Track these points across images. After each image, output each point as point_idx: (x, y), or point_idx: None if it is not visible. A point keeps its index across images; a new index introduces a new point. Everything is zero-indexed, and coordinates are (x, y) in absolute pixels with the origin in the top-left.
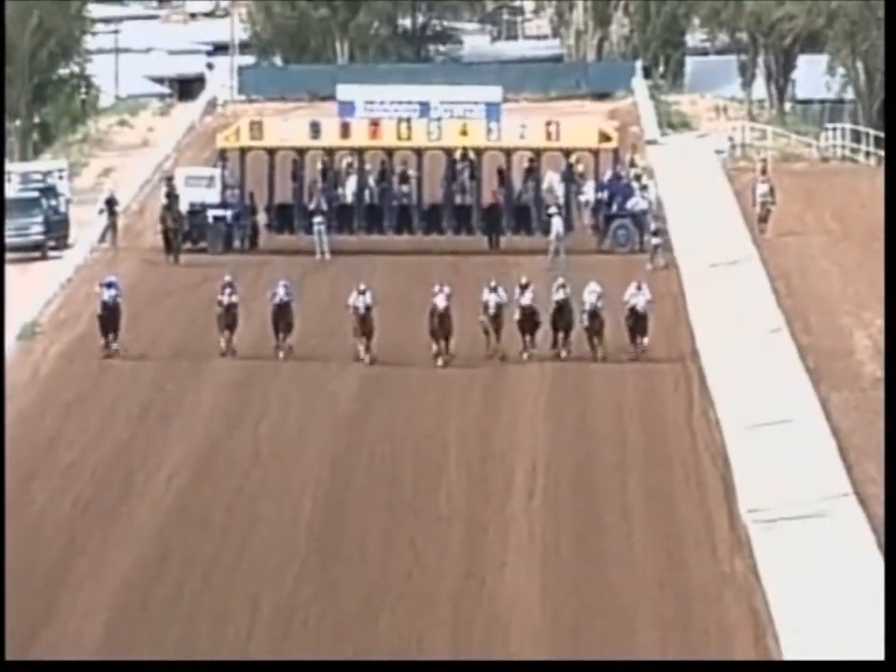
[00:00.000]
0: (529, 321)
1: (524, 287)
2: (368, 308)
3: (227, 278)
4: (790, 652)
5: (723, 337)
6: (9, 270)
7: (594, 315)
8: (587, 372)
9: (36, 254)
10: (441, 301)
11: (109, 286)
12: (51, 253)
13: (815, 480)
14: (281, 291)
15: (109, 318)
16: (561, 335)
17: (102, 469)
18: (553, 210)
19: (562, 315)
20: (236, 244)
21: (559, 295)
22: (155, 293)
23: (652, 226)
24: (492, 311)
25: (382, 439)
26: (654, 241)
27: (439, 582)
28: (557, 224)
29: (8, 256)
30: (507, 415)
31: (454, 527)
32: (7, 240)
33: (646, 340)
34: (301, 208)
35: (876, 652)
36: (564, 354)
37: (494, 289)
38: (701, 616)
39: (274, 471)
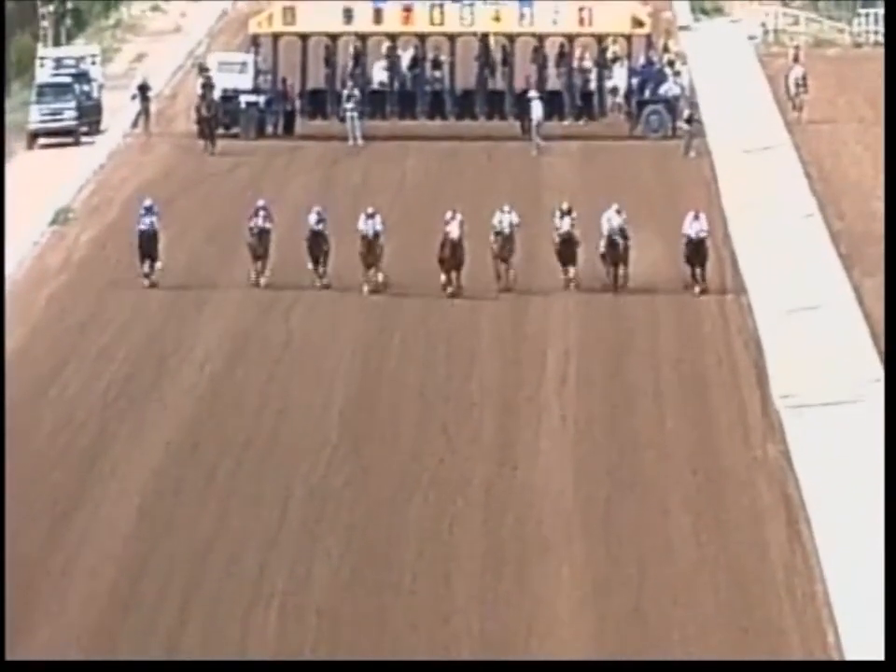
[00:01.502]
0: (569, 250)
1: (565, 213)
2: (377, 234)
3: (260, 202)
4: (821, 537)
5: (756, 223)
6: (42, 155)
7: (613, 243)
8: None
9: (69, 139)
10: (453, 230)
11: (147, 211)
12: (84, 138)
13: (847, 365)
14: (313, 219)
15: (148, 246)
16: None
17: (134, 355)
18: (532, 94)
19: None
20: (269, 129)
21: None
22: (188, 179)
23: (685, 112)
24: (506, 231)
25: (414, 326)
26: (687, 127)
27: (471, 467)
28: (537, 109)
29: (41, 141)
30: (539, 303)
31: (486, 413)
32: (41, 125)
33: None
34: (333, 94)
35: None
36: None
37: (507, 212)
38: (733, 501)
39: (307, 357)
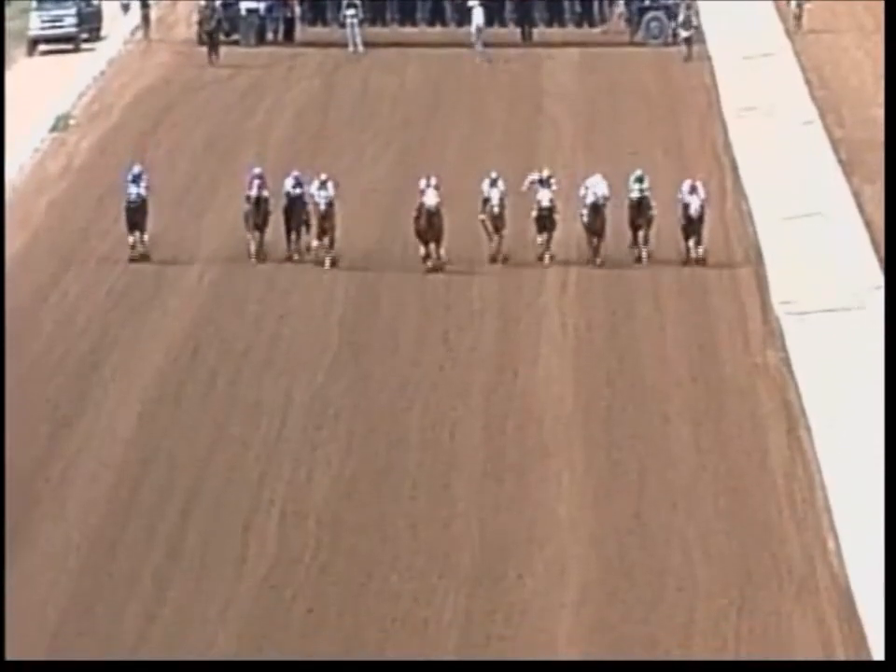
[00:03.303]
0: (548, 219)
1: (542, 182)
2: (330, 203)
3: (256, 170)
4: (821, 444)
5: (756, 129)
6: (43, 62)
7: (596, 209)
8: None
9: (69, 46)
10: (429, 199)
11: (135, 179)
12: (84, 45)
13: (847, 272)
14: (289, 183)
15: (135, 216)
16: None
17: (133, 263)
18: (472, 2)
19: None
20: (269, 36)
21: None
22: (187, 86)
23: (681, 17)
24: (496, 208)
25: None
26: (684, 33)
27: (471, 375)
28: (478, 16)
29: (42, 48)
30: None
31: (486, 321)
32: (41, 32)
33: (701, 249)
34: (333, 0)
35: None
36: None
37: (495, 182)
38: (733, 408)
39: (307, 266)
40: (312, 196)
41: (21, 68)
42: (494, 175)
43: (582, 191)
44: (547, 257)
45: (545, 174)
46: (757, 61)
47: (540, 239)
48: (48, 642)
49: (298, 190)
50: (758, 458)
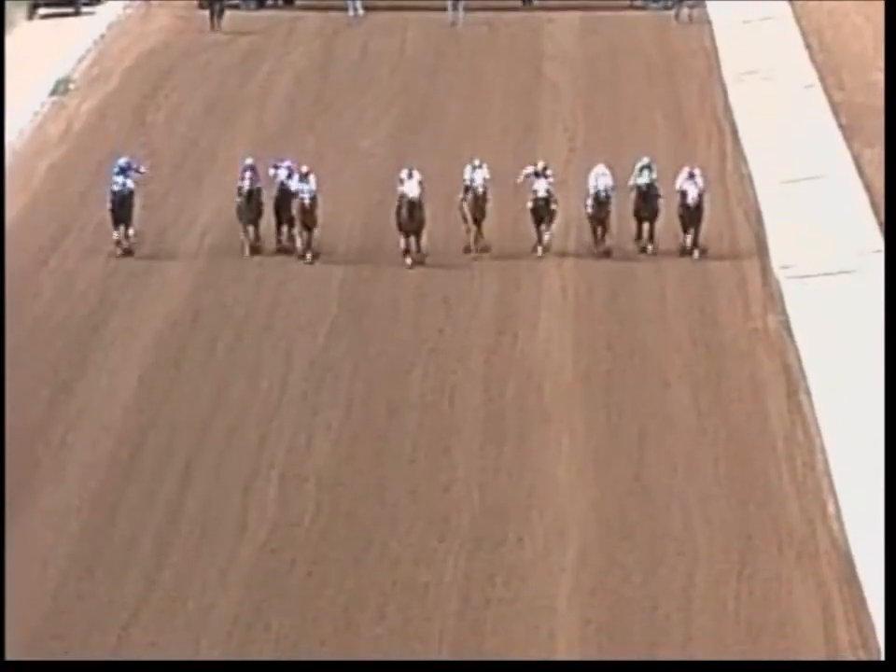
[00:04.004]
0: (545, 209)
1: (539, 174)
2: (313, 197)
3: (248, 161)
4: (821, 407)
5: (756, 93)
6: (43, 25)
7: (599, 200)
8: (619, 136)
9: (70, 10)
10: (411, 190)
11: (122, 170)
12: (84, 9)
13: (847, 236)
14: (283, 174)
15: (121, 209)
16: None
17: (135, 225)
18: None
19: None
20: (269, 0)
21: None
22: (187, 49)
23: None
24: (479, 190)
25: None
26: None
27: (471, 338)
28: None
29: (42, 11)
30: None
31: (486, 284)
32: None
33: (699, 239)
34: None
35: None
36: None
37: (478, 167)
38: (734, 371)
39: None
40: (295, 191)
41: (22, 31)
42: (477, 161)
43: (589, 181)
44: (540, 249)
45: (540, 165)
46: (757, 24)
47: (537, 231)
48: (48, 605)
49: (290, 182)
50: (758, 422)
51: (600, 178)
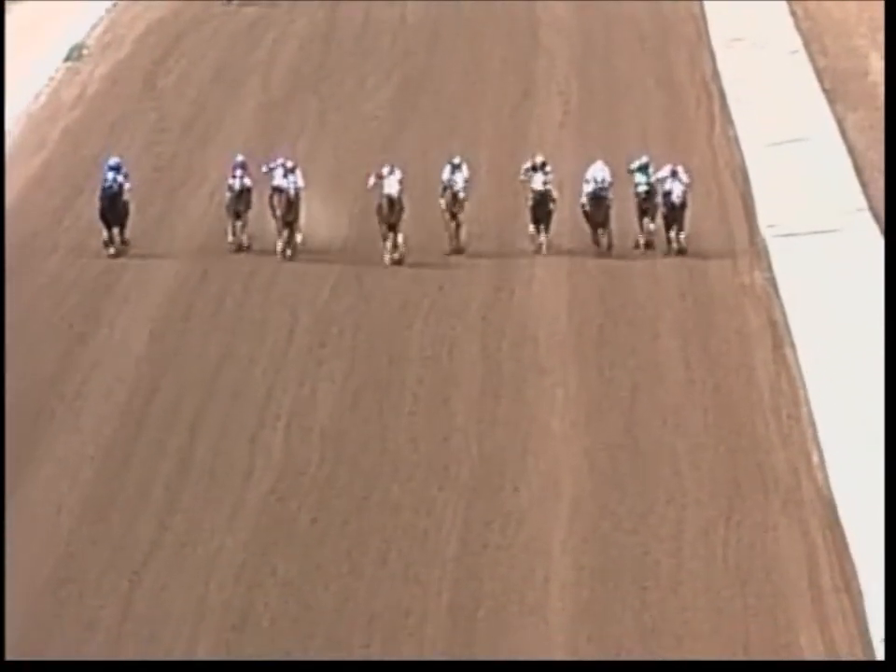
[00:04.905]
0: (543, 208)
1: (537, 168)
2: (297, 192)
3: (239, 158)
4: (806, 360)
5: (743, 58)
6: None
7: (597, 199)
8: (612, 100)
9: None
10: (391, 186)
11: (113, 168)
12: None
13: (831, 196)
14: (279, 173)
15: (112, 209)
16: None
17: (145, 187)
18: None
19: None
20: None
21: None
22: (196, 18)
23: None
24: (461, 194)
25: (414, 156)
26: None
27: (469, 293)
28: None
29: None
30: (534, 135)
31: (484, 243)
32: None
33: (682, 235)
34: None
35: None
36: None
37: (457, 167)
38: (721, 325)
39: (313, 196)
40: (278, 185)
41: (38, 1)
42: (457, 160)
43: (586, 179)
44: (544, 248)
45: (539, 160)
46: None
47: (535, 229)
48: (62, 549)
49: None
50: (745, 374)
51: (598, 174)
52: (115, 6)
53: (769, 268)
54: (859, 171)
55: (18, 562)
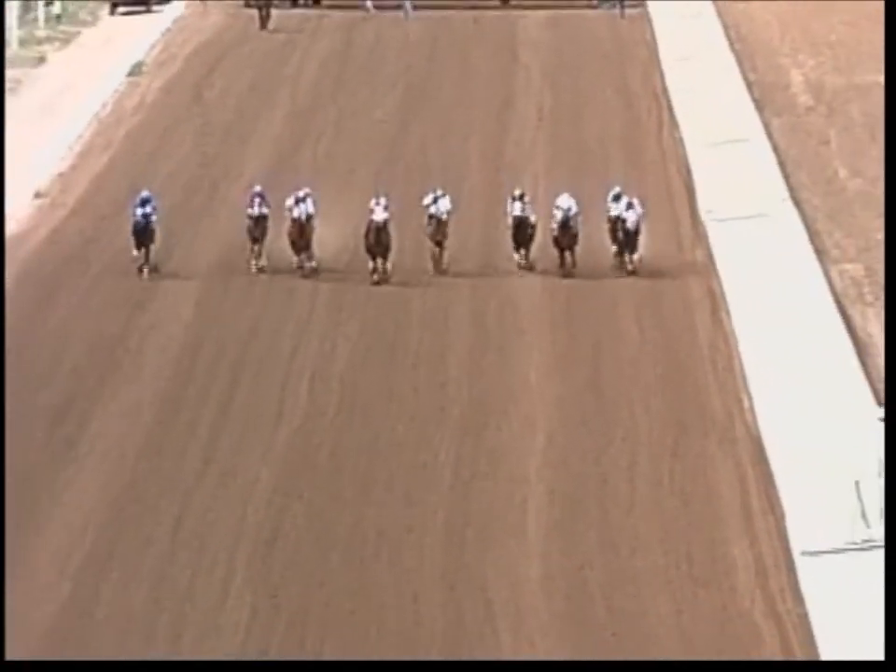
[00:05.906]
0: (522, 233)
1: (516, 199)
2: (309, 217)
3: (257, 188)
4: (738, 323)
5: (687, 74)
6: (121, 20)
7: (565, 226)
8: (578, 107)
9: (142, 8)
10: (378, 215)
11: (144, 202)
12: (154, 7)
13: (759, 187)
14: (289, 203)
15: (142, 238)
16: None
17: (193, 180)
18: None
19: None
20: (301, 1)
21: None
22: (235, 40)
23: None
24: (444, 216)
25: (417, 152)
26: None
27: (461, 268)
28: None
29: (120, 9)
30: (514, 133)
31: (473, 229)
32: None
33: (636, 256)
34: None
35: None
36: (524, 263)
37: (439, 199)
38: (670, 295)
39: (334, 174)
40: (290, 211)
41: (105, 24)
42: (439, 191)
43: (554, 210)
44: (524, 265)
45: (517, 192)
46: (688, 20)
47: (517, 255)
48: (126, 477)
49: (297, 210)
50: (688, 334)
51: (565, 203)
52: (169, 30)
53: (708, 246)
54: (782, 166)
55: (86, 488)
